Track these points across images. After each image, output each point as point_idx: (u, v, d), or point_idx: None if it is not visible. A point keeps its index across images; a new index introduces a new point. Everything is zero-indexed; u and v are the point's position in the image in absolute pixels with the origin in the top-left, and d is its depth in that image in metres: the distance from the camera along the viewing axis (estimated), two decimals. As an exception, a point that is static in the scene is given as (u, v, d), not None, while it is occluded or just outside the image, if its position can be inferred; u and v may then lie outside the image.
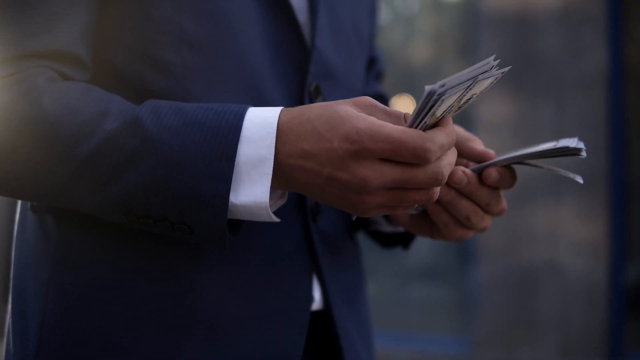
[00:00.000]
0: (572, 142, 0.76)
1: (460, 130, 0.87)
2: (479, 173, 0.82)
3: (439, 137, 0.68)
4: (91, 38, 0.79)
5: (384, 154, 0.66)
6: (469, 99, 0.75)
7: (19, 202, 0.90)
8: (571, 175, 0.78)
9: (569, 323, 4.37)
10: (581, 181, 0.77)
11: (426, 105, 0.66)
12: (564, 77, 4.42)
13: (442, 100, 0.66)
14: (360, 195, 0.68)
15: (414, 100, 5.19)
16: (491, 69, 0.69)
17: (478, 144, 0.86)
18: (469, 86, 0.68)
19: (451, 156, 0.70)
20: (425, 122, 0.69)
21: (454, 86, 0.66)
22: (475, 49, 4.75)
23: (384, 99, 1.17)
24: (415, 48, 5.52)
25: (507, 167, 0.83)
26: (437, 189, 0.71)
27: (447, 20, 5.41)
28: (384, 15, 5.40)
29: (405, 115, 0.71)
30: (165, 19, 0.79)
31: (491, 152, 0.85)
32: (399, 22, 5.63)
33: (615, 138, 4.36)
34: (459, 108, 0.75)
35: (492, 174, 0.80)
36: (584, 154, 0.74)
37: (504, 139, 4.55)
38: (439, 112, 0.69)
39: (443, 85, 0.65)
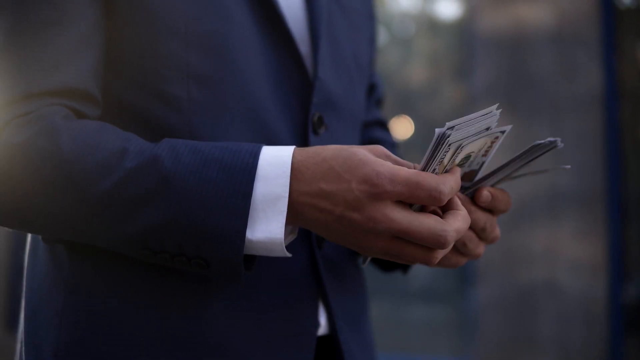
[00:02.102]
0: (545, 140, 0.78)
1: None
2: (471, 196, 0.84)
3: (449, 181, 0.70)
4: (100, 74, 0.81)
5: (402, 197, 0.69)
6: (476, 157, 0.78)
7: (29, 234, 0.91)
8: (561, 167, 0.81)
9: (568, 342, 4.37)
10: (569, 166, 0.81)
11: (437, 147, 0.69)
12: (559, 98, 4.45)
13: (450, 144, 0.69)
14: (367, 236, 0.70)
15: (411, 122, 5.22)
16: (492, 115, 0.72)
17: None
18: (472, 135, 0.71)
19: (461, 223, 0.71)
20: (435, 170, 0.71)
21: (460, 129, 0.69)
22: (470, 70, 4.79)
23: (384, 125, 1.20)
24: (412, 70, 5.56)
25: (498, 187, 0.85)
26: (440, 253, 0.72)
27: (442, 42, 5.46)
28: (381, 37, 5.44)
29: (414, 166, 0.73)
30: (172, 54, 0.80)
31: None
32: (395, 44, 5.67)
33: (611, 157, 4.39)
34: (466, 162, 0.78)
35: (484, 194, 0.82)
36: (560, 144, 0.77)
37: (500, 159, 4.57)
38: (447, 159, 0.71)
39: (451, 128, 0.68)
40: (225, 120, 0.83)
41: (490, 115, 0.71)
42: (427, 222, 0.69)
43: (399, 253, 0.72)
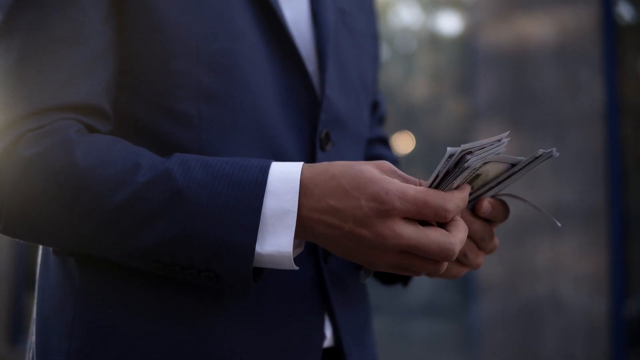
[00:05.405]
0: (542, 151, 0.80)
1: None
2: (472, 208, 0.86)
3: (455, 199, 0.72)
4: (112, 90, 0.82)
5: (409, 214, 0.70)
6: (488, 183, 0.80)
7: (41, 246, 0.92)
8: (553, 219, 0.83)
9: (572, 357, 4.36)
10: (559, 224, 0.83)
11: (448, 167, 0.71)
12: (561, 114, 4.47)
13: (460, 165, 0.71)
14: (375, 252, 0.72)
15: (413, 137, 5.23)
16: (502, 143, 0.74)
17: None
18: (484, 158, 0.73)
19: (463, 233, 0.73)
20: (444, 186, 0.73)
21: (473, 151, 0.71)
22: (473, 86, 4.81)
23: (386, 142, 1.22)
24: (414, 85, 5.59)
25: (498, 199, 0.87)
26: (446, 264, 0.74)
27: (445, 58, 5.48)
28: (384, 53, 5.47)
29: (420, 182, 0.75)
30: (183, 73, 0.82)
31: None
32: (398, 59, 5.70)
33: (613, 173, 4.40)
34: (478, 188, 0.80)
35: (484, 204, 0.84)
36: (556, 153, 0.78)
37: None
38: (457, 182, 0.73)
39: (470, 153, 0.70)
40: (235, 137, 0.84)
41: (501, 142, 0.73)
42: (435, 237, 0.71)
43: (407, 266, 0.74)
